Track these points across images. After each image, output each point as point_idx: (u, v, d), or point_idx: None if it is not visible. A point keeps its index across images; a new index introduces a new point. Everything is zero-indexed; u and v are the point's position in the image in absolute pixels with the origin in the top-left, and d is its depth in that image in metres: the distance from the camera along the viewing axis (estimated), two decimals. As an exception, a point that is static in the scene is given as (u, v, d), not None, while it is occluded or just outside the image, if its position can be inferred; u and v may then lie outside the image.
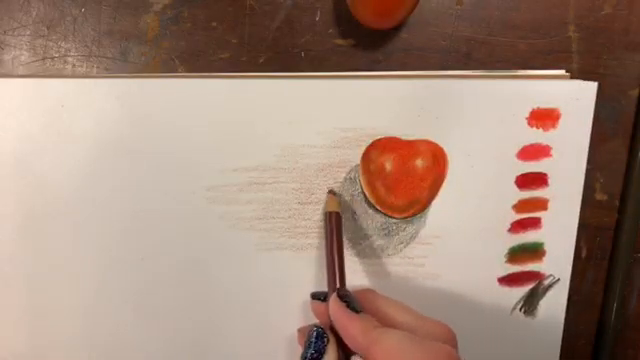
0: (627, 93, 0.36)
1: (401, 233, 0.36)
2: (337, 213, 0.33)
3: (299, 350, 0.28)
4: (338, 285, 0.30)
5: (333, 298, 0.28)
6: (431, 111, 0.34)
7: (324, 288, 0.31)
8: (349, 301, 0.28)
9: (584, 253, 0.37)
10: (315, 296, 0.31)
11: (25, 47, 0.36)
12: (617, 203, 0.36)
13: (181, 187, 0.35)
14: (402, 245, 0.36)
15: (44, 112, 0.35)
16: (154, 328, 0.36)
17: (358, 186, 0.35)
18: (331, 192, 0.35)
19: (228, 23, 0.36)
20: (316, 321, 0.30)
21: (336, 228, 0.32)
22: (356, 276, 0.36)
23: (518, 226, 0.35)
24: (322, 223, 0.35)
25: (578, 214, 0.35)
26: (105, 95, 0.35)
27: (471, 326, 0.36)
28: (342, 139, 0.35)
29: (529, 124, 0.34)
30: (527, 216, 0.35)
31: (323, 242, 0.35)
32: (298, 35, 0.36)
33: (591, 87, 0.34)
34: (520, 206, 0.35)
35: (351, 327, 0.26)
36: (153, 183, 0.35)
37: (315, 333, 0.28)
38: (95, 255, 0.36)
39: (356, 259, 0.36)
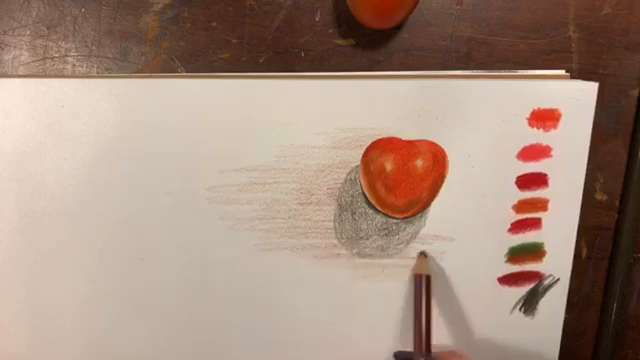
0: (627, 93, 0.36)
1: (401, 233, 0.36)
2: (428, 276, 0.33)
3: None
4: (424, 349, 0.31)
5: None
6: (431, 111, 0.34)
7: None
8: None
9: (584, 253, 0.37)
10: (399, 356, 0.31)
11: (25, 47, 0.36)
12: (617, 203, 0.36)
13: (181, 187, 0.35)
14: (402, 245, 0.36)
15: (44, 112, 0.35)
16: (154, 328, 0.37)
17: (358, 187, 0.35)
18: (422, 254, 0.35)
19: (228, 23, 0.36)
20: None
21: (426, 292, 0.33)
22: (356, 276, 0.36)
23: (518, 226, 0.35)
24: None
25: (578, 214, 0.35)
26: (105, 95, 0.35)
27: (471, 326, 0.36)
28: (342, 139, 0.35)
29: (530, 124, 0.34)
30: (527, 216, 0.35)
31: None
32: (298, 35, 0.36)
33: (591, 87, 0.34)
34: (520, 206, 0.35)
35: None
36: (153, 183, 0.35)
37: None
38: (95, 255, 0.36)
39: (356, 259, 0.36)
